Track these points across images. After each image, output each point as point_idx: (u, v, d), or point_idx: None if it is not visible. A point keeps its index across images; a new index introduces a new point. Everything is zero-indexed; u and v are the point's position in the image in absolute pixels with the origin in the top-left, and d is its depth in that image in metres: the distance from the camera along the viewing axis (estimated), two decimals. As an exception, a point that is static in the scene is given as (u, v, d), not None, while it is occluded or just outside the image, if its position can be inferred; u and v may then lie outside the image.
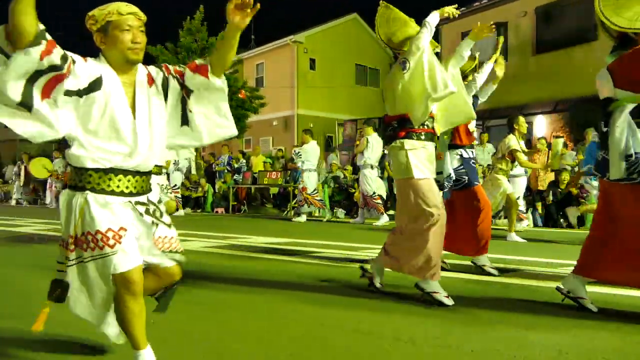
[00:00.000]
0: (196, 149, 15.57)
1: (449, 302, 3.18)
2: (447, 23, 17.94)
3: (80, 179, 1.92)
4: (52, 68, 1.73)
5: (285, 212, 10.49)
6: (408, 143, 3.32)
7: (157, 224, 2.08)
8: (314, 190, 9.75)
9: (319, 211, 10.58)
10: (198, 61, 2.08)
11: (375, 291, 3.55)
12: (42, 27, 1.69)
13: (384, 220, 9.05)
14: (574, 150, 10.41)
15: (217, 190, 13.55)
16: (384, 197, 10.93)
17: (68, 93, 1.81)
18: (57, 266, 2.01)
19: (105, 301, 2.03)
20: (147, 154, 1.99)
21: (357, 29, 23.82)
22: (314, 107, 22.22)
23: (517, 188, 8.08)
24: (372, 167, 9.07)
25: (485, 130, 14.25)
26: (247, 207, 13.04)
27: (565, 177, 8.79)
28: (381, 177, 11.08)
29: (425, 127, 3.37)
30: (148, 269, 2.04)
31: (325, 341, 2.54)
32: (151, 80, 2.04)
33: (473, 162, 4.43)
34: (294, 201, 10.87)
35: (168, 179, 10.23)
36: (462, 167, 4.32)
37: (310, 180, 9.63)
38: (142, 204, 2.03)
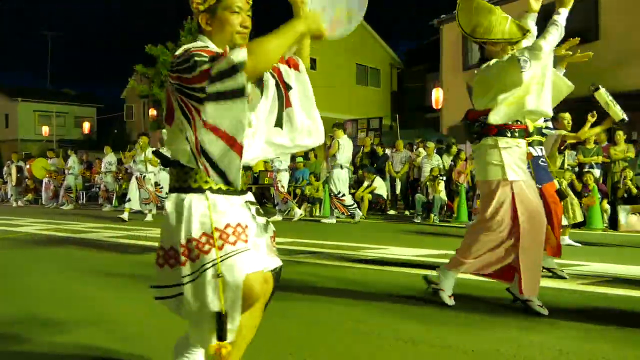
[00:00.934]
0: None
1: (450, 302, 3.17)
2: (449, 22, 17.96)
3: (195, 179, 1.70)
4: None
5: (287, 212, 10.51)
6: (502, 141, 3.04)
7: (268, 225, 1.84)
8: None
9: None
10: (287, 54, 1.92)
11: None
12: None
13: (357, 218, 9.20)
14: (573, 150, 10.39)
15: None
16: (385, 196, 10.96)
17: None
18: (171, 291, 1.72)
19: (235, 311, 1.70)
20: (254, 148, 1.82)
21: (358, 29, 23.28)
22: (315, 107, 22.17)
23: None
24: (341, 167, 9.23)
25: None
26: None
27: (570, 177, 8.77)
28: (383, 178, 11.11)
29: (519, 122, 3.10)
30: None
31: (324, 341, 2.54)
32: None
33: (542, 161, 4.07)
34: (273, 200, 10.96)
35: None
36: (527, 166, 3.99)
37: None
38: (252, 203, 1.83)
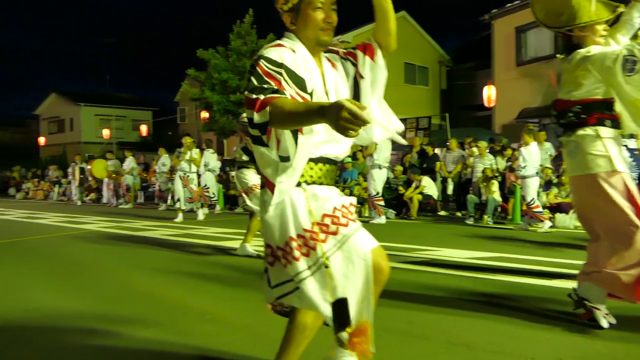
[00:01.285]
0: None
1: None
2: (501, 17, 17.38)
3: None
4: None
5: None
6: (604, 130, 2.75)
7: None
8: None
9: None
10: (366, 40, 1.87)
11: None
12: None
13: (381, 220, 9.05)
14: None
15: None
16: (435, 197, 10.74)
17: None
18: (284, 288, 1.69)
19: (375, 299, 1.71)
20: (346, 141, 1.80)
21: (405, 27, 23.49)
22: (363, 107, 22.06)
23: (527, 189, 7.80)
24: (380, 167, 9.09)
25: (542, 128, 13.68)
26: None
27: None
28: (434, 178, 10.89)
29: (614, 112, 2.79)
30: None
31: (375, 343, 2.52)
32: (333, 65, 1.87)
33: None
34: None
35: (199, 178, 10.67)
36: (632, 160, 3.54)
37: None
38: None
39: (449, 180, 11.01)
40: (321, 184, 1.73)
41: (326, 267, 1.59)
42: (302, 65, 1.71)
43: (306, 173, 1.69)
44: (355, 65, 1.87)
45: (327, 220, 1.62)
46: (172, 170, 9.92)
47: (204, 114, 20.11)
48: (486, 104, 15.17)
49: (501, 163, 10.22)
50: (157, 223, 9.29)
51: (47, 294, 3.74)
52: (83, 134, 34.08)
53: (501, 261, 4.87)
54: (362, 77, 1.85)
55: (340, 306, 1.62)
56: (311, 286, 1.61)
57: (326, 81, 1.80)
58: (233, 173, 15.27)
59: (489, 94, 14.84)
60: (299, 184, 1.68)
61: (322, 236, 1.61)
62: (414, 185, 10.49)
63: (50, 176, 20.97)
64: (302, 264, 1.62)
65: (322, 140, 1.73)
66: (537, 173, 7.96)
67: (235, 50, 18.20)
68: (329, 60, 1.87)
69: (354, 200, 1.76)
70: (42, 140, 33.94)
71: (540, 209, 7.87)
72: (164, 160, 13.99)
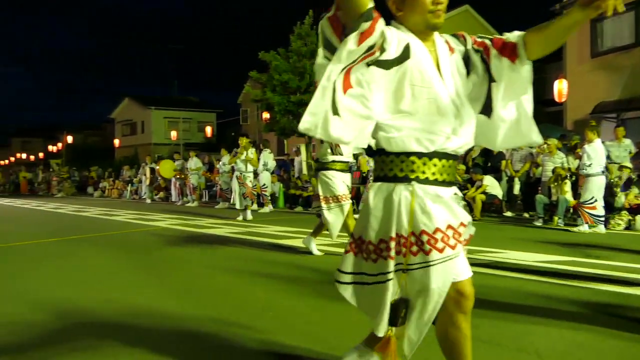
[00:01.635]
0: (307, 149, 16.11)
1: None
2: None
3: (401, 168, 1.61)
4: (367, 49, 1.50)
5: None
6: None
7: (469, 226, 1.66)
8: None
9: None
10: (506, 36, 1.67)
11: None
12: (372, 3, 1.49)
13: None
14: None
15: (327, 190, 13.76)
16: (500, 197, 10.31)
17: (379, 64, 1.54)
18: (359, 277, 1.68)
19: (429, 320, 1.62)
20: (466, 134, 1.67)
21: (469, 20, 22.72)
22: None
23: (590, 187, 7.32)
24: None
25: (621, 124, 12.76)
26: (357, 206, 13.11)
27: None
28: (499, 178, 10.46)
29: None
30: None
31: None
32: (452, 49, 1.71)
33: None
34: None
35: (256, 177, 10.81)
36: None
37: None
38: (460, 197, 1.69)
39: (516, 179, 10.52)
40: (435, 180, 1.61)
41: (404, 271, 1.58)
42: None
43: (417, 169, 1.59)
44: (486, 62, 1.67)
45: (424, 238, 1.54)
46: (234, 170, 10.20)
47: (266, 115, 20.54)
48: (557, 98, 14.34)
49: (573, 162, 9.61)
50: (220, 221, 9.56)
51: (129, 287, 3.97)
52: (153, 136, 35.98)
53: (573, 265, 4.59)
54: (493, 80, 1.65)
55: (398, 306, 1.62)
56: (384, 290, 1.59)
57: (441, 68, 1.65)
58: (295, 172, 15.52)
59: (560, 88, 14.02)
60: (409, 180, 1.59)
61: (414, 248, 1.55)
62: (476, 184, 10.13)
63: (124, 176, 22.29)
64: (390, 265, 1.58)
65: (439, 131, 1.60)
66: (602, 172, 7.50)
67: (295, 51, 18.42)
68: (447, 43, 1.71)
69: (466, 219, 1.63)
70: (116, 142, 36.25)
71: (596, 212, 7.39)
72: (225, 160, 14.43)
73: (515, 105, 1.69)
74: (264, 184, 12.23)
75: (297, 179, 14.12)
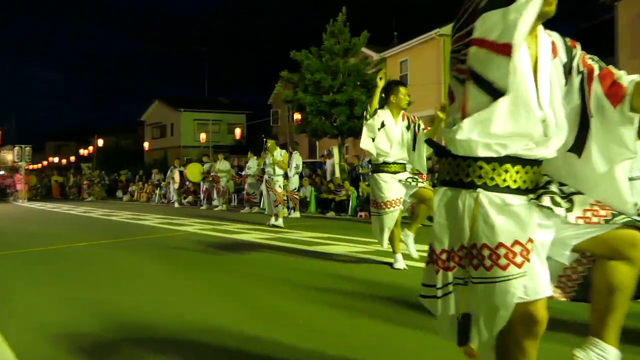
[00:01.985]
0: (340, 151, 15.45)
1: None
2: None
3: (467, 173, 1.48)
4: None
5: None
6: None
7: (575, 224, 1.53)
8: None
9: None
10: (616, 74, 1.53)
11: None
12: None
13: None
14: None
15: (360, 194, 13.11)
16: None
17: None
18: (423, 290, 1.61)
19: (491, 341, 1.54)
20: (556, 140, 1.52)
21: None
22: (461, 104, 20.68)
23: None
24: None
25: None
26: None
27: None
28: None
29: None
30: None
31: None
32: (555, 51, 1.56)
33: None
34: None
35: (286, 178, 10.45)
36: None
37: None
38: (542, 205, 1.48)
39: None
40: (507, 188, 1.45)
41: (466, 284, 1.49)
42: None
43: (486, 175, 1.46)
44: (583, 86, 1.56)
45: (485, 252, 1.42)
46: (263, 172, 9.79)
47: (297, 116, 19.98)
48: (611, 96, 13.29)
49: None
50: (249, 226, 9.12)
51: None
52: (182, 138, 35.98)
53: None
54: (591, 115, 1.54)
55: (465, 321, 1.51)
56: (445, 304, 1.54)
57: (538, 71, 1.48)
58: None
59: (616, 84, 12.96)
60: (474, 187, 1.45)
61: (474, 262, 1.45)
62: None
63: (153, 179, 22.12)
64: (450, 276, 1.52)
65: (518, 135, 1.44)
66: None
67: (328, 49, 17.79)
68: (553, 43, 1.56)
69: (547, 238, 1.49)
70: (146, 145, 36.43)
71: None
72: (251, 163, 13.91)
73: (614, 136, 1.52)
74: (295, 188, 11.74)
75: (329, 183, 13.54)
